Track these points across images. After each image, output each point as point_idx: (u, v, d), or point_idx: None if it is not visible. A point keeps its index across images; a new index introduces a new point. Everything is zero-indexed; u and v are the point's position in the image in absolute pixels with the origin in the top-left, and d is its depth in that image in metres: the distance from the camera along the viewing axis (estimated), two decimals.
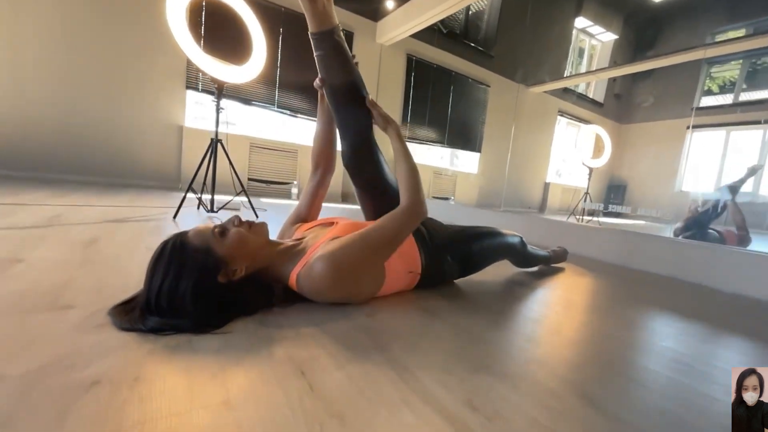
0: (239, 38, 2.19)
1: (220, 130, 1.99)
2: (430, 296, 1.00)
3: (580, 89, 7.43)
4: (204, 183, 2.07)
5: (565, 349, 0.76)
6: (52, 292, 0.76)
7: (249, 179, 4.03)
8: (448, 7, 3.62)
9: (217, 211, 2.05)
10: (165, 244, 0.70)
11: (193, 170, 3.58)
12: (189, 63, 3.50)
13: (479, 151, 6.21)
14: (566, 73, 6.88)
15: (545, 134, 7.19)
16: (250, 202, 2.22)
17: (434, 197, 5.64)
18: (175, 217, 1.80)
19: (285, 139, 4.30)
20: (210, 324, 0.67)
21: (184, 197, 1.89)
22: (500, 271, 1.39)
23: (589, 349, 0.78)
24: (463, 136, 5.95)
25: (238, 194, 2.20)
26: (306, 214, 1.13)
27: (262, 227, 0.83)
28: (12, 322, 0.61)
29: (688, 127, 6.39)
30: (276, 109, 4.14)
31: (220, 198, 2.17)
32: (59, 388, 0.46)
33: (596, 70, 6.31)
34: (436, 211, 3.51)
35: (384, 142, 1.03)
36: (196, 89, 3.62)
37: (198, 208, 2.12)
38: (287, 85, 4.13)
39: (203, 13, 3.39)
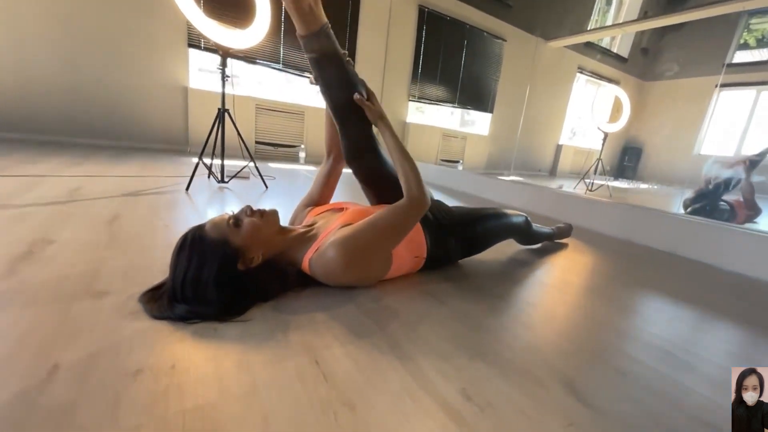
0: None
1: (225, 91, 1.96)
2: (435, 279, 1.05)
3: (604, 43, 6.94)
4: (213, 152, 2.09)
5: (557, 335, 0.83)
6: (86, 276, 0.83)
7: (256, 142, 4.02)
8: None
9: (227, 182, 2.09)
10: (185, 237, 0.75)
11: (199, 132, 3.58)
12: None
13: (491, 111, 6.00)
14: (590, 26, 6.39)
15: (562, 93, 6.86)
16: (258, 171, 2.24)
17: (443, 160, 5.57)
18: (187, 189, 1.85)
19: (291, 100, 4.20)
20: (232, 311, 0.74)
21: (195, 170, 1.92)
22: (504, 249, 1.43)
23: (579, 336, 0.84)
24: (476, 96, 5.72)
25: (245, 166, 2.22)
26: (318, 198, 1.16)
27: (274, 215, 0.87)
28: (58, 309, 0.69)
29: (716, 86, 6.02)
30: (281, 67, 4.00)
31: (229, 164, 2.19)
32: (109, 376, 0.53)
33: (624, 23, 5.82)
34: (443, 179, 3.51)
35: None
36: (198, 47, 3.49)
37: (209, 177, 2.16)
38: (292, 41, 3.95)
39: None
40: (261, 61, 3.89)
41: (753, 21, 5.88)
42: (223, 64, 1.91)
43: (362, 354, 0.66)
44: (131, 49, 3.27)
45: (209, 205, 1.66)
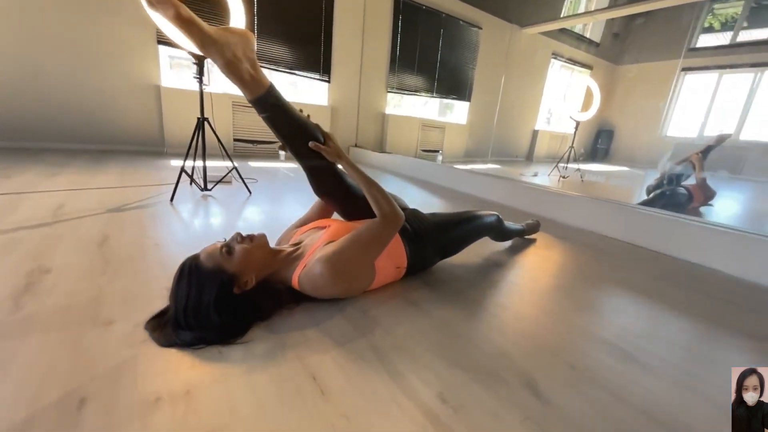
0: None
1: (199, 89, 1.95)
2: (416, 285, 1.16)
3: (577, 29, 7.07)
4: (195, 155, 2.07)
5: (523, 337, 0.94)
6: (89, 306, 0.88)
7: (234, 140, 3.98)
8: None
9: (210, 189, 2.11)
10: (182, 268, 0.82)
11: (174, 131, 3.53)
12: None
13: (468, 100, 6.08)
14: (564, 12, 6.49)
15: (537, 79, 7.00)
16: (241, 177, 2.26)
17: (423, 150, 5.64)
18: (172, 199, 1.87)
19: None
20: (234, 333, 0.82)
21: (178, 180, 1.93)
22: (479, 250, 1.55)
23: (543, 337, 0.96)
24: (453, 85, 5.78)
25: (228, 173, 2.25)
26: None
27: (262, 239, 0.94)
28: (70, 342, 0.75)
29: (679, 69, 6.28)
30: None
31: (210, 165, 2.20)
32: (133, 405, 0.61)
33: (595, 11, 5.95)
34: (422, 173, 3.59)
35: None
36: (168, 44, 3.39)
37: (191, 184, 2.17)
38: (266, 37, 3.88)
39: None
40: None
41: (716, 5, 6.14)
42: (200, 73, 1.90)
43: (353, 367, 0.75)
44: (98, 49, 3.14)
45: (195, 215, 1.69)
